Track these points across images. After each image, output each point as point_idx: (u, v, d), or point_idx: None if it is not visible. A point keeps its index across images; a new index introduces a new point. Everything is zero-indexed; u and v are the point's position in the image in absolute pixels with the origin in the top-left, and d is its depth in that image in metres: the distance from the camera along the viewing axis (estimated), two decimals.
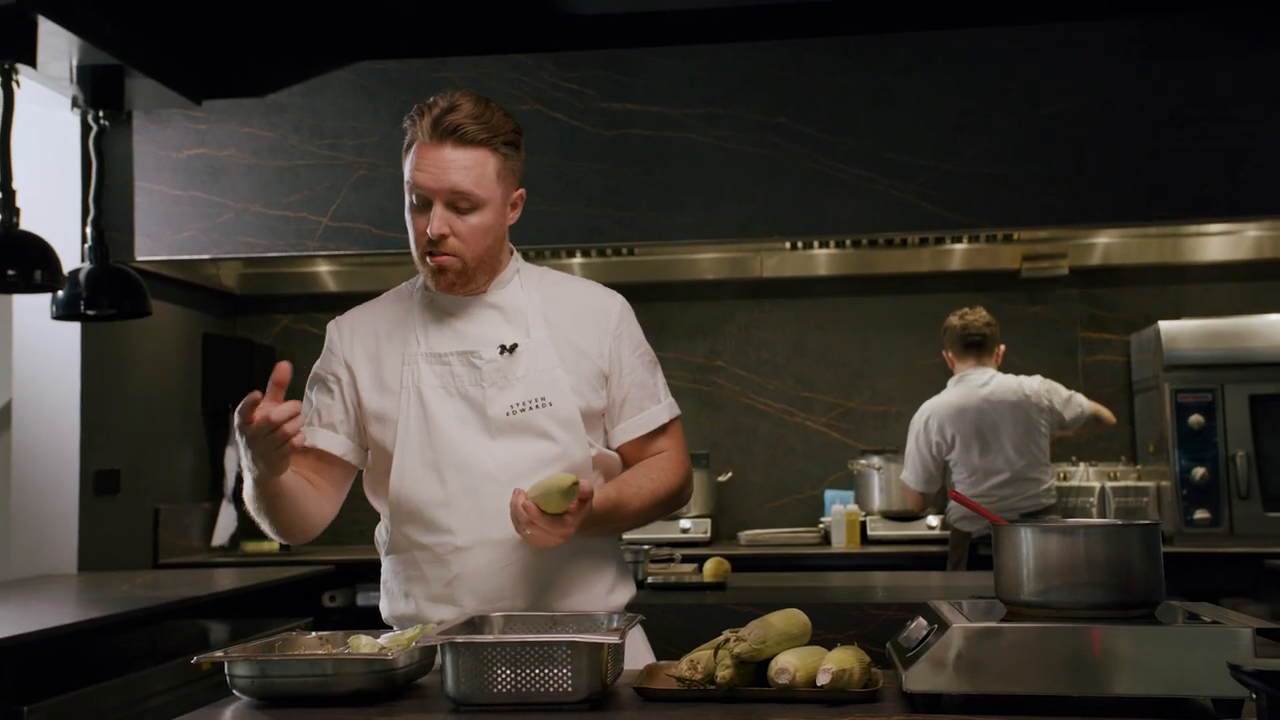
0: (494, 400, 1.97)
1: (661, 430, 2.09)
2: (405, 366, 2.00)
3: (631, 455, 2.08)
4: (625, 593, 2.08)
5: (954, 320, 4.57)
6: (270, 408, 1.77)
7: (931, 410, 4.50)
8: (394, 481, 1.98)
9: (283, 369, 1.80)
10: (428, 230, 1.93)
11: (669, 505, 2.08)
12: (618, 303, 2.10)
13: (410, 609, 1.99)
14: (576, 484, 1.78)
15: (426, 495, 1.96)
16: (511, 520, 1.83)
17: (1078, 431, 4.65)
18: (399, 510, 1.99)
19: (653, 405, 2.08)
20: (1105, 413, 4.61)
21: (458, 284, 1.99)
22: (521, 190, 2.05)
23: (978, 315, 4.55)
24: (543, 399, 1.97)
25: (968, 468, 4.45)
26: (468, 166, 1.92)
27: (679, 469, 2.10)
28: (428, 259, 1.96)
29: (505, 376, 1.97)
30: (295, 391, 1.88)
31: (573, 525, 1.81)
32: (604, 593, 2.02)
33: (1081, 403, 4.53)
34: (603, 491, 1.94)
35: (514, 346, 1.99)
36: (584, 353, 2.02)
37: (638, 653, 2.02)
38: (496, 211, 1.97)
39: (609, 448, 2.08)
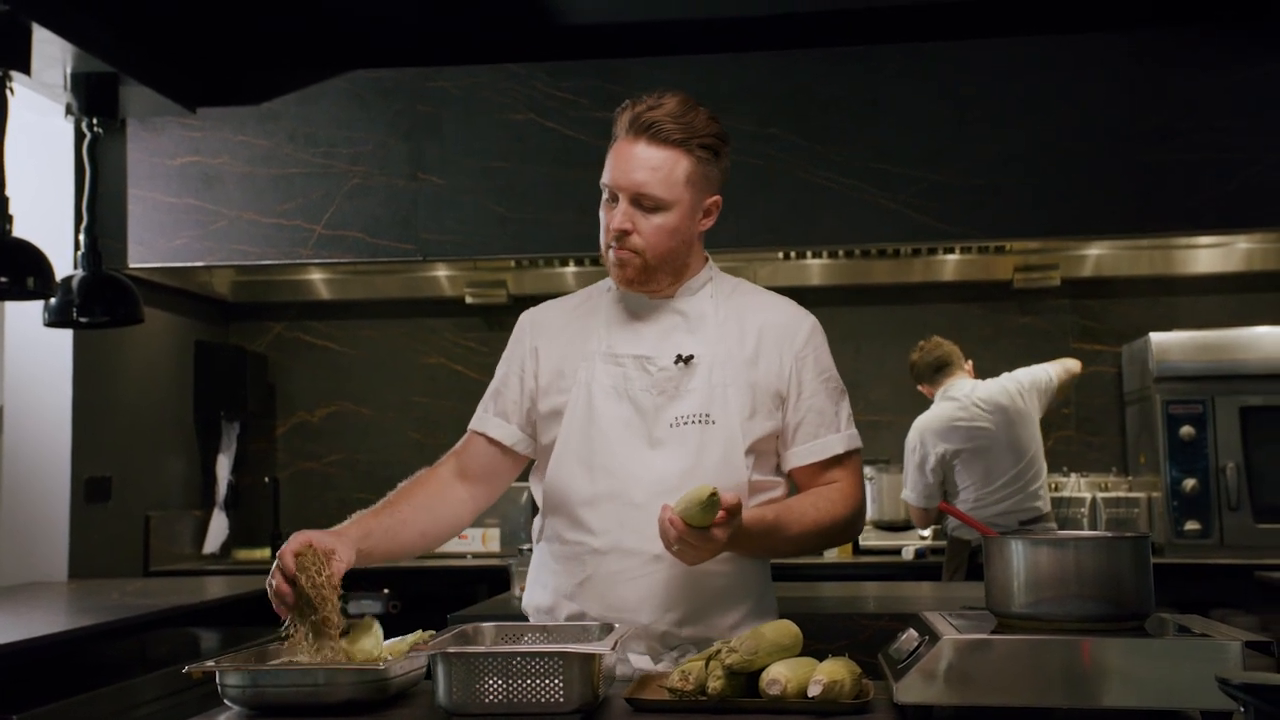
0: (662, 409, 1.95)
1: (837, 460, 2.01)
2: (583, 362, 2.00)
3: (803, 482, 2.02)
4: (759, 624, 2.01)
5: (916, 355, 4.62)
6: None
7: (925, 425, 4.51)
8: (549, 474, 1.98)
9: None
10: (610, 224, 1.94)
11: (833, 537, 2.01)
12: (808, 323, 2.04)
13: (547, 600, 2.00)
14: (715, 494, 1.71)
15: (574, 492, 1.95)
16: (660, 536, 1.77)
17: (1059, 393, 4.65)
18: (548, 502, 2.00)
19: (830, 434, 2.00)
20: (1070, 364, 4.64)
21: (637, 281, 1.97)
22: (717, 197, 2.02)
23: (935, 343, 4.60)
24: (707, 415, 1.94)
25: (969, 475, 4.46)
26: (656, 166, 1.91)
27: (849, 501, 2.00)
28: (610, 251, 1.96)
29: (677, 387, 1.95)
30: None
31: (721, 540, 1.74)
32: (730, 626, 1.93)
33: (1048, 372, 4.57)
34: (758, 511, 1.88)
35: (690, 358, 1.96)
36: (762, 372, 1.98)
37: None
38: (683, 215, 1.94)
39: (781, 470, 2.03)
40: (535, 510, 2.09)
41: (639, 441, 1.94)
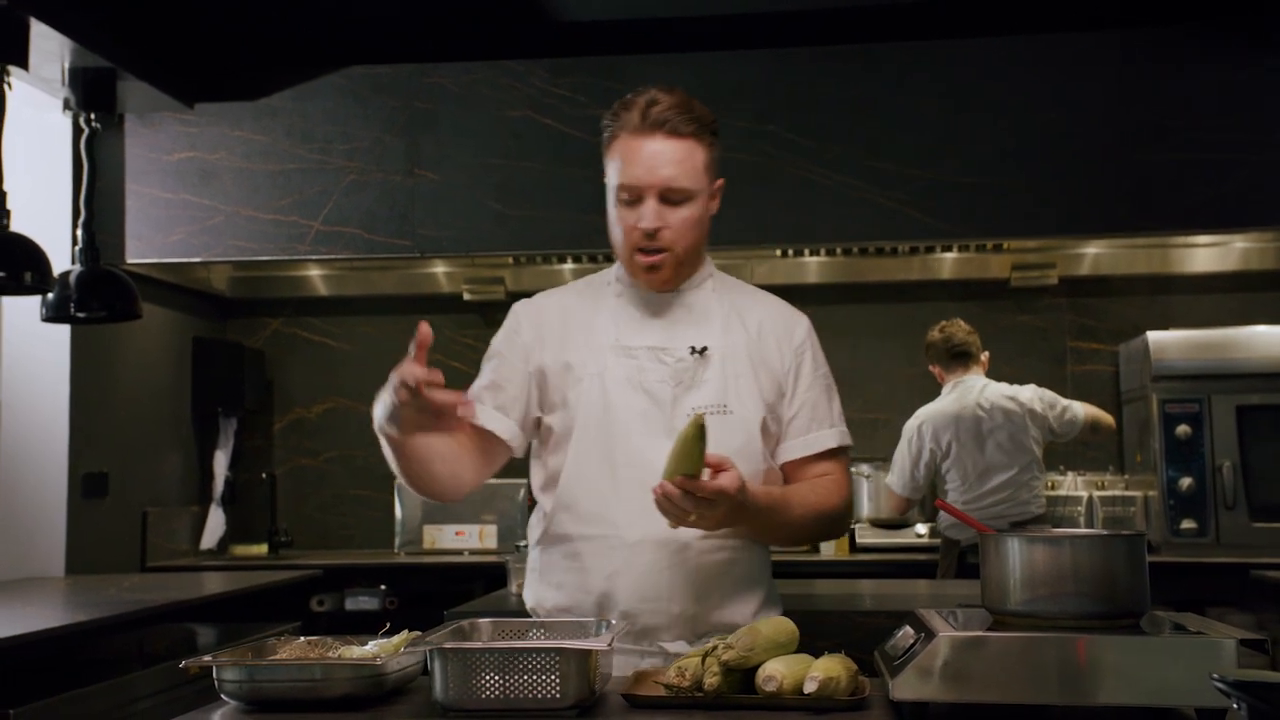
0: (678, 400, 1.96)
1: (829, 454, 2.05)
2: (592, 356, 1.99)
3: (795, 475, 2.05)
4: (773, 613, 2.02)
5: (935, 334, 4.59)
6: (414, 372, 1.69)
7: (926, 417, 4.51)
8: (567, 469, 1.96)
9: (424, 331, 1.73)
10: (639, 225, 1.93)
11: (827, 525, 2.05)
12: (804, 322, 2.10)
13: (561, 599, 1.98)
14: (701, 419, 1.73)
15: (597, 488, 1.95)
16: (663, 514, 1.77)
17: (1078, 438, 4.65)
18: (564, 499, 1.97)
19: (823, 429, 2.05)
20: (1104, 418, 4.59)
21: (671, 280, 2.00)
22: (721, 180, 2.04)
23: (957, 326, 4.57)
24: (724, 406, 1.96)
25: (961, 474, 4.46)
26: (680, 159, 1.93)
27: (842, 493, 2.05)
28: (637, 256, 1.96)
29: (693, 377, 1.97)
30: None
31: (726, 501, 1.75)
32: (752, 611, 1.99)
33: (1076, 413, 4.53)
34: (766, 488, 1.93)
35: (704, 349, 1.98)
36: (767, 366, 2.01)
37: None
38: (704, 203, 1.98)
39: (774, 463, 2.05)
40: (531, 507, 2.06)
41: (658, 433, 1.93)
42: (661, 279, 1.99)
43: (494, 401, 2.01)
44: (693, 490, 1.74)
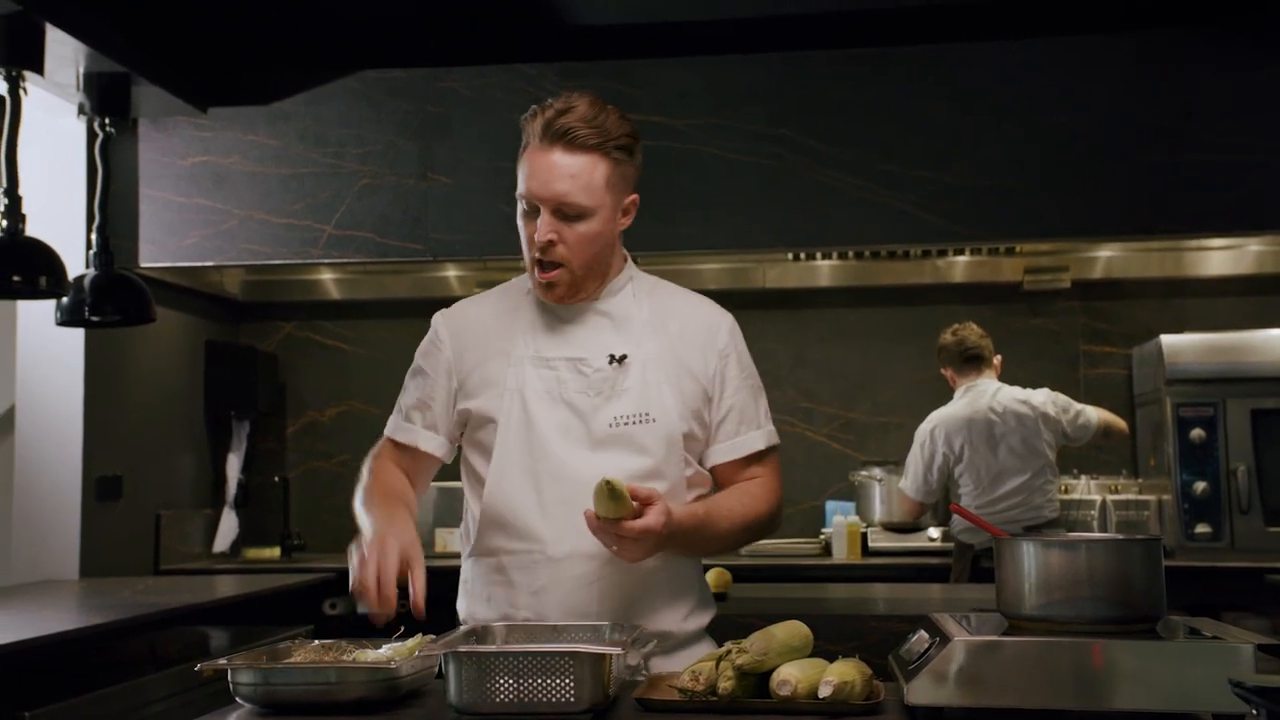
0: (599, 410, 1.95)
1: (758, 457, 2.05)
2: (511, 368, 1.98)
3: (725, 478, 2.06)
4: (705, 616, 2.05)
5: (948, 337, 4.58)
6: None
7: (939, 421, 4.51)
8: (489, 485, 1.96)
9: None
10: (535, 237, 1.92)
11: (757, 531, 2.05)
12: (728, 321, 2.08)
13: (491, 613, 1.98)
14: (608, 483, 1.74)
15: (522, 502, 1.94)
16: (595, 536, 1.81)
17: (1091, 442, 4.64)
18: (490, 513, 1.97)
19: (751, 431, 2.04)
20: (1117, 424, 4.59)
21: (567, 296, 1.98)
22: (635, 196, 2.01)
23: (970, 330, 4.56)
24: (646, 414, 1.95)
25: (974, 479, 4.45)
26: (575, 173, 1.89)
27: (770, 496, 2.06)
28: (536, 272, 1.95)
29: (612, 387, 1.95)
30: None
31: (652, 538, 1.78)
32: (682, 616, 2.00)
33: (1089, 417, 4.52)
34: (689, 508, 1.93)
35: (623, 357, 1.97)
36: (690, 371, 2.00)
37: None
38: (606, 219, 1.94)
39: (703, 467, 2.05)
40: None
41: (580, 445, 1.94)
42: (556, 296, 1.97)
43: (423, 421, 2.05)
44: (618, 533, 1.77)
